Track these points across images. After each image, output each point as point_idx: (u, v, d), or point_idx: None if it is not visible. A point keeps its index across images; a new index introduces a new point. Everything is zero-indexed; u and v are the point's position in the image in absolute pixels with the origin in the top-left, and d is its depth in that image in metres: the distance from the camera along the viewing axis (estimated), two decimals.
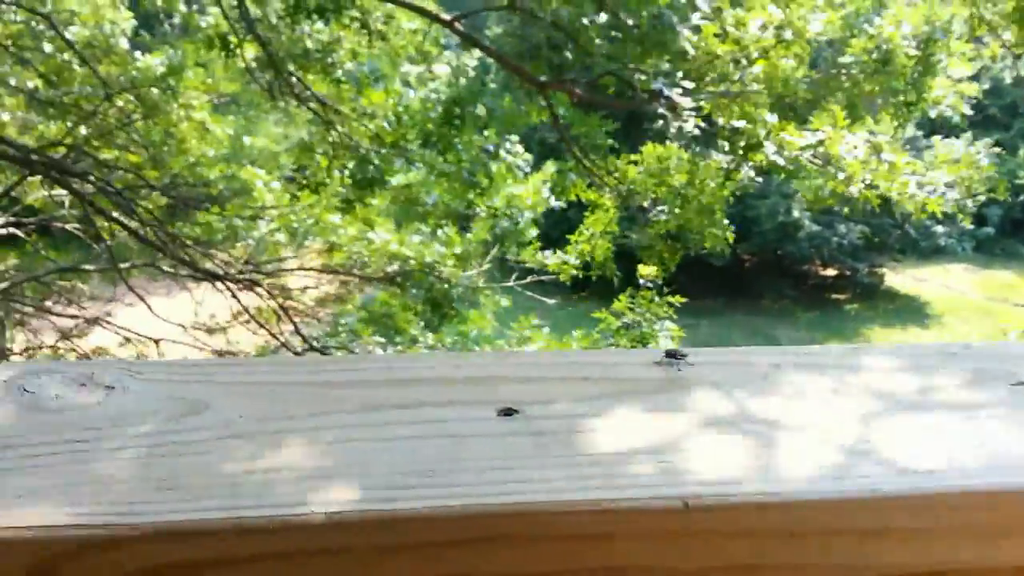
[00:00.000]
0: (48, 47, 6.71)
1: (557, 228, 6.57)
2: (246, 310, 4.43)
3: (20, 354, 6.29)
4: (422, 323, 6.15)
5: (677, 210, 4.51)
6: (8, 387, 0.48)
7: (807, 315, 17.89)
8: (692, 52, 4.17)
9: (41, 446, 0.43)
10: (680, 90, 4.13)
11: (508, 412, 0.46)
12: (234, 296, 4.37)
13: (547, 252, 5.68)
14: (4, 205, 6.86)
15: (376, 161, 4.49)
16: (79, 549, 0.37)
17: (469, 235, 5.46)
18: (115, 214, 4.67)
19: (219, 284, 4.37)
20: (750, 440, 0.45)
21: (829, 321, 17.68)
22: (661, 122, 4.36)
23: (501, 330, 6.61)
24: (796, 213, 17.38)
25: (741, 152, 4.17)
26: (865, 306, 18.30)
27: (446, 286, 5.78)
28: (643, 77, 4.52)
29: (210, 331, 6.43)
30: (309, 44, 4.48)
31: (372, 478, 0.41)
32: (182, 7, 6.79)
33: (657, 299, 5.61)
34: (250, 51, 6.06)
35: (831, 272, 19.03)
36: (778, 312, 17.80)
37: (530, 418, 0.46)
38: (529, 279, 5.67)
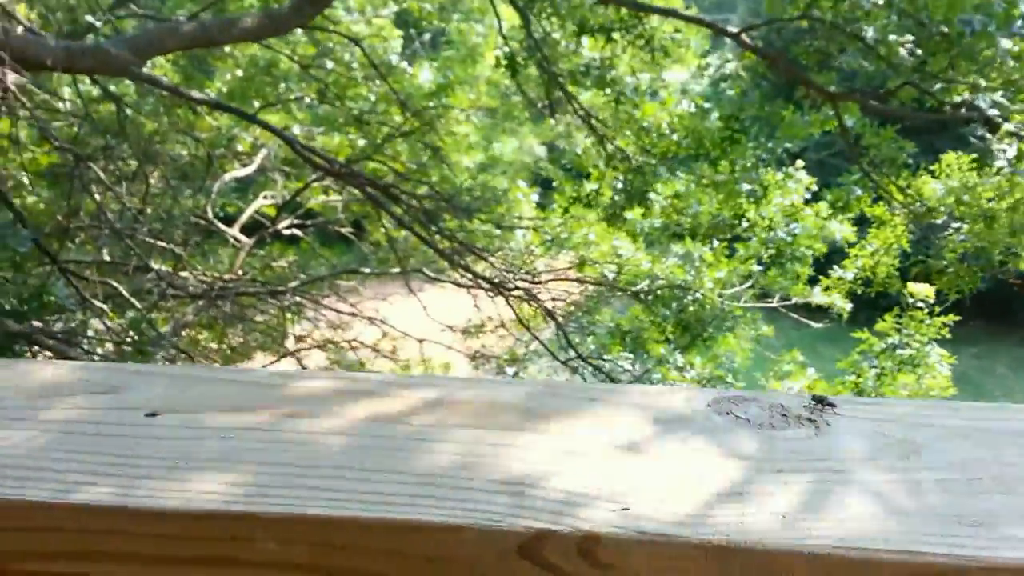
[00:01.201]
0: (329, 64, 7.34)
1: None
2: (520, 319, 4.57)
3: (299, 342, 6.89)
4: (672, 344, 6.06)
5: (979, 230, 4.10)
6: (717, 411, 0.51)
7: None
8: (1011, 63, 3.76)
9: (813, 472, 0.45)
10: (995, 108, 3.75)
11: None
12: (508, 304, 4.53)
13: (816, 288, 5.40)
14: (291, 208, 7.59)
15: (646, 172, 4.47)
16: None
17: (738, 254, 5.29)
18: (399, 218, 4.99)
19: (486, 290, 4.54)
20: None
21: None
22: (972, 139, 3.98)
23: (763, 355, 6.36)
24: None
25: None
26: None
27: (700, 308, 5.65)
28: (941, 87, 4.15)
29: (466, 333, 6.74)
30: (585, 61, 4.55)
31: None
32: (457, 25, 7.19)
33: (928, 320, 5.14)
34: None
35: None
36: None
37: None
38: (794, 300, 5.41)
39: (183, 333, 5.87)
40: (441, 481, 0.44)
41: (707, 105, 4.88)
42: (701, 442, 0.48)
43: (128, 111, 4.50)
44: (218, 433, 0.50)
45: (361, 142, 7.39)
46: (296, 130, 7.39)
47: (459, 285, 6.18)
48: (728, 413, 0.51)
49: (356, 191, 7.19)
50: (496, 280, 4.38)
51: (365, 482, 0.45)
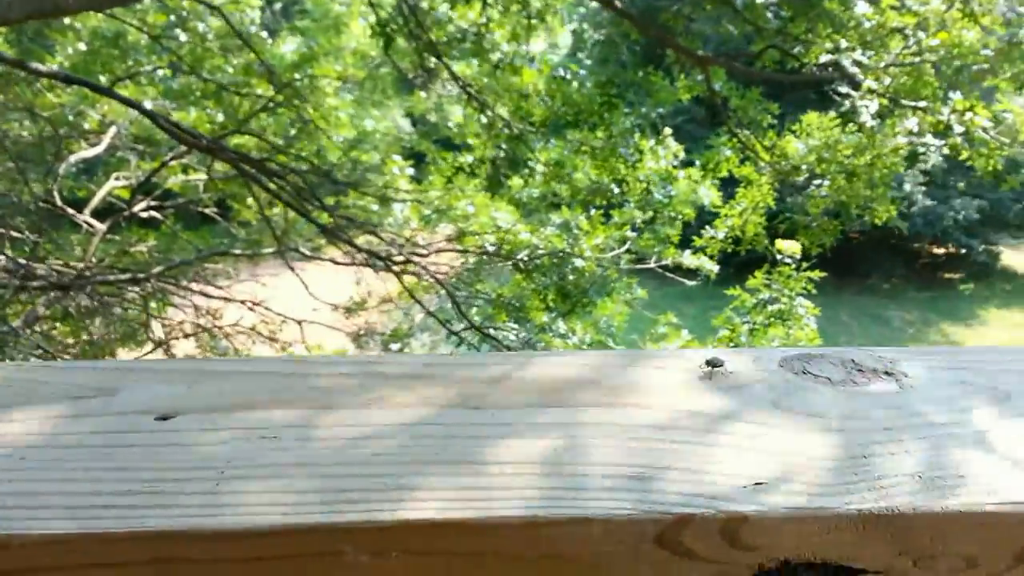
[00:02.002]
0: (183, 36, 6.92)
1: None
2: (408, 291, 4.48)
3: (167, 331, 6.52)
4: (553, 312, 6.14)
5: (840, 185, 4.35)
6: (792, 370, 0.49)
7: (919, 295, 17.26)
8: (865, 24, 3.98)
9: (921, 428, 0.44)
10: (856, 67, 3.96)
11: None
12: (397, 277, 4.43)
13: (686, 252, 5.58)
14: (147, 189, 7.13)
15: (527, 140, 4.46)
16: None
17: (613, 220, 5.39)
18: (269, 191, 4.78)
19: (372, 266, 4.43)
20: None
21: (941, 302, 17.01)
22: (836, 97, 4.20)
23: (637, 318, 6.52)
24: (908, 187, 16.76)
25: (923, 129, 3.97)
26: (981, 286, 17.50)
27: (579, 275, 5.74)
28: (801, 49, 4.35)
29: (349, 311, 6.57)
30: (459, 28, 4.47)
31: None
32: None
33: (795, 275, 5.43)
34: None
35: (944, 250, 18.27)
36: (888, 292, 17.21)
37: None
38: (669, 260, 5.58)
39: (35, 327, 5.43)
40: (548, 470, 0.39)
41: (582, 72, 4.92)
42: (793, 405, 0.45)
43: None
44: (254, 434, 0.43)
45: (220, 116, 7.02)
46: (147, 105, 6.92)
47: (336, 263, 6.01)
48: (804, 372, 0.48)
49: (220, 168, 6.85)
50: (383, 254, 4.27)
51: (456, 476, 0.39)
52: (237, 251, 6.64)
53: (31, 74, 3.62)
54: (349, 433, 0.43)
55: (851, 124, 4.33)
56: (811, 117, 4.68)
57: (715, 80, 4.53)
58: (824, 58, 4.16)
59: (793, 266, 5.11)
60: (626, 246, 5.53)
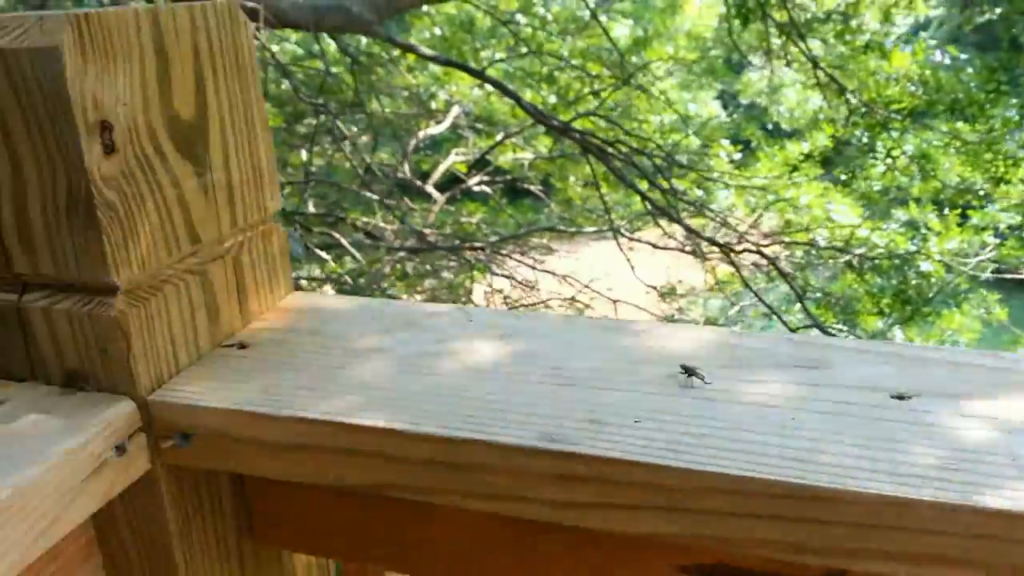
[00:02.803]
0: (522, 20, 7.25)
1: None
2: (744, 281, 4.33)
3: (488, 298, 6.93)
4: (888, 317, 5.65)
5: None
6: None
7: None
8: None
9: None
10: None
11: None
12: (734, 266, 4.30)
13: None
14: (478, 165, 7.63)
15: (891, 128, 4.09)
16: None
17: (970, 223, 4.81)
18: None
19: (709, 254, 4.32)
20: None
21: None
22: None
23: (990, 336, 5.82)
24: None
25: None
26: None
27: (924, 280, 5.21)
28: None
29: (669, 295, 6.52)
30: (825, 7, 4.17)
31: None
32: None
33: None
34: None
35: None
36: None
37: None
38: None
39: (374, 285, 6.03)
40: None
41: (963, 56, 4.39)
42: None
43: (347, 69, 4.56)
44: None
45: (552, 98, 7.29)
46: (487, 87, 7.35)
47: (656, 246, 5.97)
48: None
49: (544, 148, 7.16)
50: (721, 241, 4.16)
51: None
52: (562, 228, 6.86)
53: (420, 58, 3.96)
54: None
55: None
56: None
57: None
58: None
59: None
60: (988, 252, 4.91)
